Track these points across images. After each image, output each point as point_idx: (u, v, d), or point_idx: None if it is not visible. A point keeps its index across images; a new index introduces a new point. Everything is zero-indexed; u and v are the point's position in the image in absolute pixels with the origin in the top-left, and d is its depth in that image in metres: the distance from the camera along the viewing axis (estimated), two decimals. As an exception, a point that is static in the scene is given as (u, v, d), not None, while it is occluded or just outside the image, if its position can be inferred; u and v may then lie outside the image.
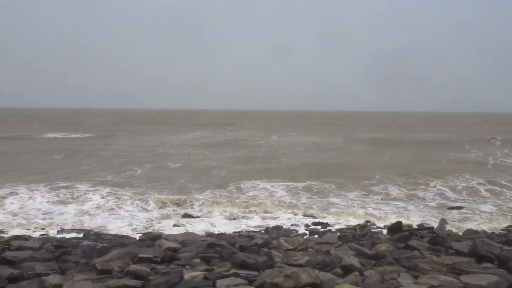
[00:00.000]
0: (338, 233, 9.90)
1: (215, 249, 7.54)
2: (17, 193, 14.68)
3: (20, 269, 6.02)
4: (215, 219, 12.03)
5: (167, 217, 12.45)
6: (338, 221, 12.13)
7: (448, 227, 10.95)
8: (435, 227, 10.76)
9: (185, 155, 27.73)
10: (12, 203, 13.49)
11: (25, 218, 12.14)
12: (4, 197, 14.02)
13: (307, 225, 11.53)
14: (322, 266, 6.28)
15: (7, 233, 10.27)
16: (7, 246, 7.73)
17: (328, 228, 11.07)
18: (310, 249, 7.81)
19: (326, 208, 13.72)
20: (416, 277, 5.70)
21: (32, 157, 25.70)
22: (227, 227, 11.24)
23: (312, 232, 10.47)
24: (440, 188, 16.94)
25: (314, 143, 37.26)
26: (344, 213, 13.00)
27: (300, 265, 6.19)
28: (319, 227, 11.29)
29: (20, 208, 13.10)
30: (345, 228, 10.80)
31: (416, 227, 10.94)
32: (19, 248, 7.53)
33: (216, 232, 10.12)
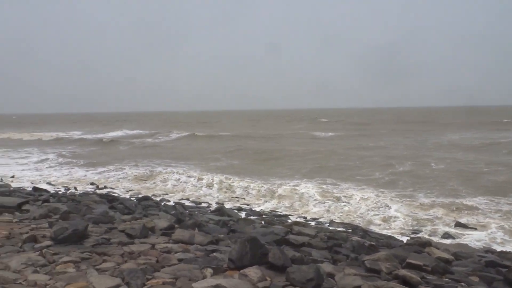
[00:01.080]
0: None
1: (497, 269, 6.50)
2: (291, 184, 16.96)
3: (300, 253, 6.79)
4: (494, 233, 10.33)
5: (435, 222, 11.59)
6: None
7: None
8: None
9: (449, 156, 25.22)
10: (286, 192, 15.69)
11: (304, 206, 13.89)
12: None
13: None
14: None
15: (289, 219, 11.96)
16: (289, 230, 9.00)
17: None
18: None
19: None
20: None
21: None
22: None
23: None
24: None
25: None
26: None
27: None
28: None
29: (291, 198, 15.02)
30: None
31: None
32: (299, 233, 8.59)
33: (498, 250, 8.66)
